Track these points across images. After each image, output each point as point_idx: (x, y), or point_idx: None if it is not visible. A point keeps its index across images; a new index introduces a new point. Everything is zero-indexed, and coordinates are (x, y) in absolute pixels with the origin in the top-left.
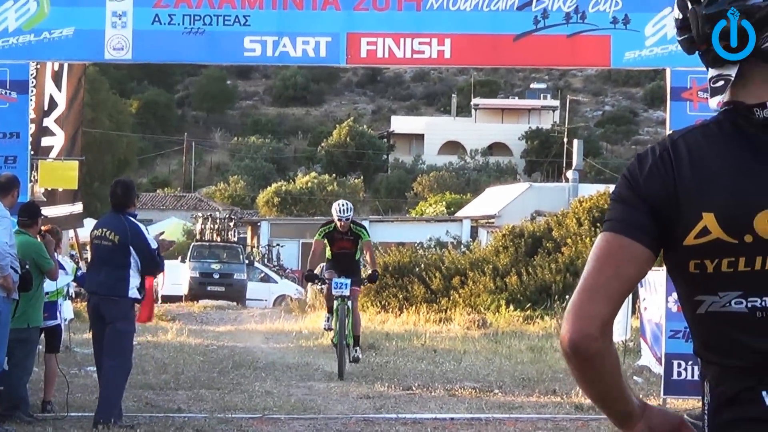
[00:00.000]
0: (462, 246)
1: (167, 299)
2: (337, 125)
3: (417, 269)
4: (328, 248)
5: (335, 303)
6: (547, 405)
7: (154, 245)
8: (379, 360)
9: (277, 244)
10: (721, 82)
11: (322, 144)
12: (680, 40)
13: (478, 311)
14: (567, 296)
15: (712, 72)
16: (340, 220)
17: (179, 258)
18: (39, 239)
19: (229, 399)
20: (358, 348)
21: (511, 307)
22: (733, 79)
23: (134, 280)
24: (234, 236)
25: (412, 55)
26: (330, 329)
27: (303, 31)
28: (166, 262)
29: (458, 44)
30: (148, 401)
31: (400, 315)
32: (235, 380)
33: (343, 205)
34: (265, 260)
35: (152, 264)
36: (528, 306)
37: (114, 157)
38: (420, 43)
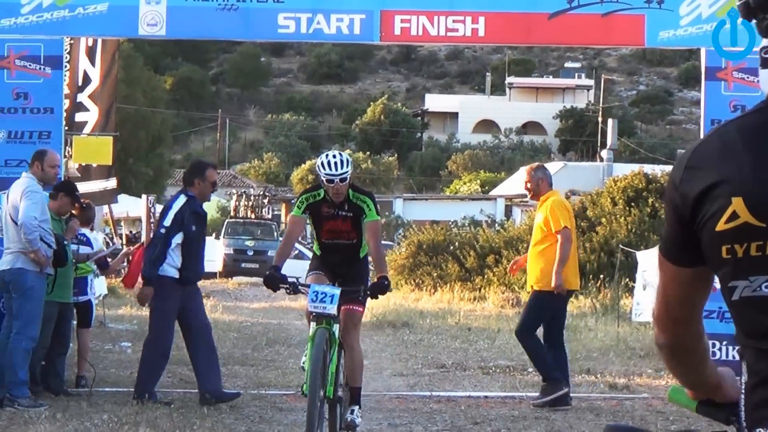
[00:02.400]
0: (496, 225)
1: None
2: (372, 103)
3: (451, 247)
4: (314, 234)
5: (311, 327)
6: (581, 384)
7: (162, 228)
8: (413, 338)
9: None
10: None
11: (356, 122)
12: (738, 5)
13: (513, 290)
14: (601, 276)
15: (765, 42)
16: (330, 180)
17: (213, 235)
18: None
19: (263, 375)
20: (356, 408)
21: None
22: None
23: (170, 259)
24: (268, 213)
25: (446, 32)
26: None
27: (337, 8)
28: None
29: (492, 22)
30: (183, 377)
31: (434, 293)
32: (269, 357)
33: (333, 156)
34: (299, 237)
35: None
36: None
37: (148, 134)
38: (454, 21)
